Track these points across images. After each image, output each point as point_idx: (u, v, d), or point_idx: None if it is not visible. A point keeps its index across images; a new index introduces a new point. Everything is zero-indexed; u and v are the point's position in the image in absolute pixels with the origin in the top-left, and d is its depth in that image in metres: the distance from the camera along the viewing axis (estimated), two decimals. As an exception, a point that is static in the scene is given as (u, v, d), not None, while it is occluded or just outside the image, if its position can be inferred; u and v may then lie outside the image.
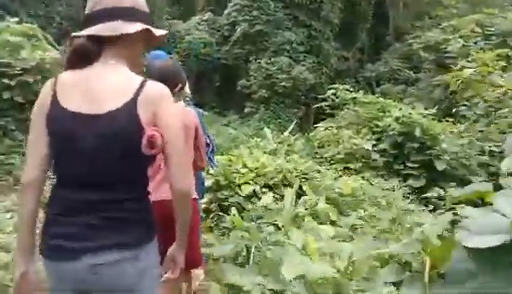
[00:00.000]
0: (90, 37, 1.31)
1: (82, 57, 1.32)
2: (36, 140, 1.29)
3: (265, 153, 7.58)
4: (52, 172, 1.34)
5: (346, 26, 20.08)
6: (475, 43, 10.69)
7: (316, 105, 9.40)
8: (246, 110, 15.16)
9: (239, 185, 4.52)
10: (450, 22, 12.58)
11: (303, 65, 15.38)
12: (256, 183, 4.70)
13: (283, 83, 14.43)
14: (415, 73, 18.55)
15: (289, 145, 8.09)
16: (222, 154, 10.88)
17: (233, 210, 3.18)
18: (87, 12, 1.34)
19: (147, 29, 1.35)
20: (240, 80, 15.71)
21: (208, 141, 3.34)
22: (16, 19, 6.59)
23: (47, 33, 13.34)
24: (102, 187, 1.28)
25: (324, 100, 9.23)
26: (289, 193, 2.51)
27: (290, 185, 4.84)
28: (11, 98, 5.44)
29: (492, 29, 11.18)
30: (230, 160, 4.97)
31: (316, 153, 8.18)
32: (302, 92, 15.29)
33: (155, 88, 1.31)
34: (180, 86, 2.31)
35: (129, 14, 1.32)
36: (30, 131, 1.31)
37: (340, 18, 18.59)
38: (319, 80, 16.53)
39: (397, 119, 7.22)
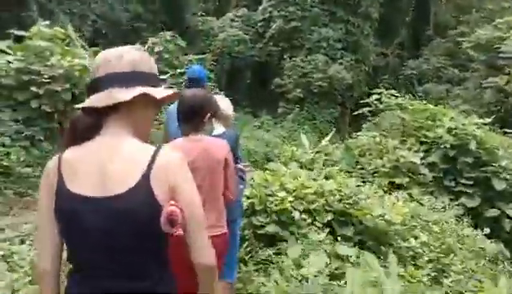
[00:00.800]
0: (86, 110, 1.21)
1: (81, 133, 1.20)
2: (45, 227, 1.20)
3: (301, 163, 7.14)
4: (67, 258, 1.22)
5: (385, 21, 19.18)
6: (535, 43, 9.71)
7: (357, 112, 8.76)
8: (280, 110, 14.66)
9: (276, 212, 4.08)
10: (504, 18, 11.52)
11: (341, 64, 14.68)
12: (294, 208, 4.25)
13: (319, 83, 13.81)
14: (460, 71, 17.44)
15: (326, 155, 7.58)
16: (255, 162, 10.47)
17: (275, 274, 2.73)
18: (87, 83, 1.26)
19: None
20: (273, 79, 15.22)
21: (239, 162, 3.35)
22: (47, 22, 6.37)
23: (81, 31, 13.39)
24: (121, 274, 1.17)
25: (365, 104, 8.61)
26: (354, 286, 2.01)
27: (332, 211, 4.36)
28: (39, 107, 5.24)
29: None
30: (265, 179, 4.52)
31: (357, 162, 7.61)
32: (338, 92, 14.62)
33: (169, 159, 1.19)
34: (209, 114, 2.26)
35: (127, 79, 1.18)
36: (38, 216, 1.21)
37: (379, 12, 17.72)
38: (357, 78, 15.80)
39: (449, 131, 6.54)
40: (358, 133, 8.67)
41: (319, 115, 14.22)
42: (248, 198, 4.29)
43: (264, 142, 10.35)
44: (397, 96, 8.10)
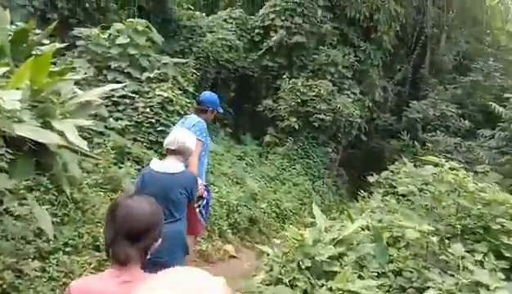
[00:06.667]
0: None
1: None
2: None
3: (315, 263, 4.54)
4: None
5: (391, 52, 17.03)
6: None
7: (373, 179, 6.11)
8: (267, 139, 11.99)
9: None
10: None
11: (348, 96, 12.26)
12: None
13: (321, 115, 11.28)
14: (470, 123, 15.47)
15: (351, 247, 4.96)
16: (235, 224, 7.66)
17: None
18: None
19: None
20: (264, 99, 12.59)
21: (205, 195, 3.60)
22: None
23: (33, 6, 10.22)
24: None
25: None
26: None
27: None
28: None
29: None
30: None
31: (391, 259, 5.02)
32: (339, 129, 12.15)
33: None
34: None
35: None
36: None
37: (392, 44, 15.54)
38: (359, 114, 13.42)
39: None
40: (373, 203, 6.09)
41: (313, 153, 11.67)
42: None
43: (249, 194, 7.56)
44: (458, 170, 5.61)
